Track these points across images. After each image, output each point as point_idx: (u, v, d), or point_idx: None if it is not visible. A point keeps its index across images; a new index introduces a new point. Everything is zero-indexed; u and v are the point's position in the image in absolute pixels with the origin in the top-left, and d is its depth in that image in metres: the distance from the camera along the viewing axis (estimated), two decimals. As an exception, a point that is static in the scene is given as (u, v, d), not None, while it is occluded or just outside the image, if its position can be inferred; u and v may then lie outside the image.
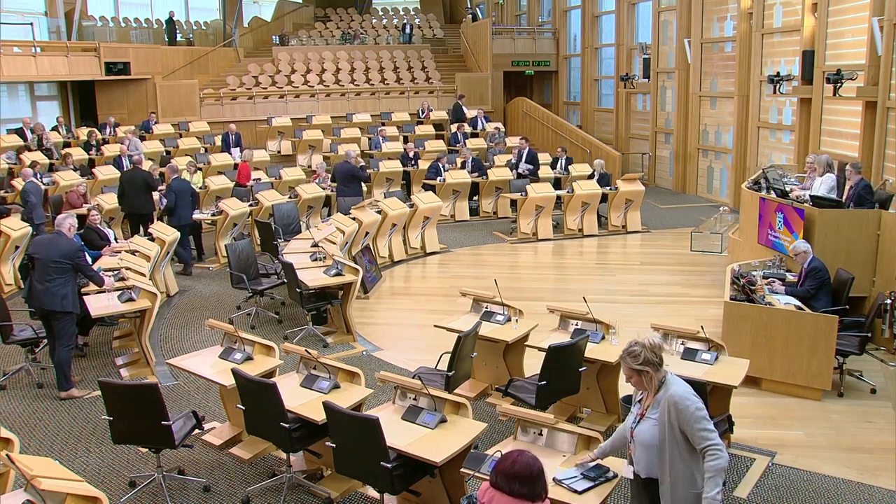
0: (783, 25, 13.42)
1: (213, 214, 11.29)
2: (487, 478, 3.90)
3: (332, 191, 12.67)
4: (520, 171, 13.91)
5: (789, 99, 13.22)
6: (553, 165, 14.95)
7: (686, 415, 3.35)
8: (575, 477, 3.84)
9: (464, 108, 18.55)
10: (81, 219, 9.52)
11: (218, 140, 16.22)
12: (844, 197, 8.35)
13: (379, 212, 10.81)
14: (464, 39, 22.71)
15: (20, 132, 15.11)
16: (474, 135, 17.74)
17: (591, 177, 13.42)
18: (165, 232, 9.48)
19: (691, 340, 5.72)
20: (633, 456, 3.61)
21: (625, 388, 5.95)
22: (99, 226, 9.20)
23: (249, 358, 5.66)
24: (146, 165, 13.22)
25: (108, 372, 7.15)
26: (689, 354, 5.60)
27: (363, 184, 12.66)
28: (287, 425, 4.70)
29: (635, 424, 3.56)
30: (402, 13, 27.03)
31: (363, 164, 13.24)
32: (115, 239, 9.72)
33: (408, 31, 23.45)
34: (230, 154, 15.21)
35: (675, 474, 3.41)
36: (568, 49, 21.98)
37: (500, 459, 2.84)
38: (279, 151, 17.19)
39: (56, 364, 6.58)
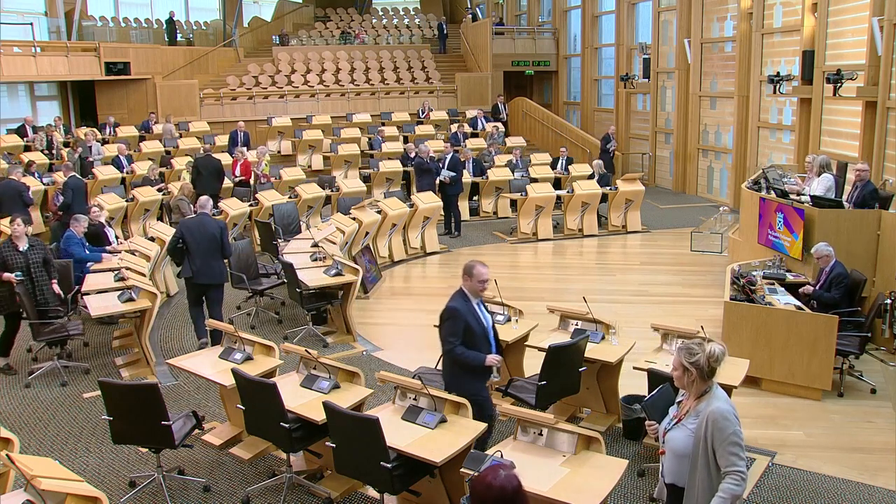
0: (783, 25, 13.41)
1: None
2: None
3: (263, 178, 13.15)
4: (441, 178, 12.53)
5: (789, 99, 13.22)
6: (553, 165, 14.95)
7: (722, 436, 3.29)
8: None
9: (501, 105, 18.74)
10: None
11: (217, 140, 16.20)
12: (845, 197, 8.34)
13: (379, 212, 10.81)
14: (464, 39, 22.72)
15: (20, 130, 15.12)
16: (474, 135, 17.75)
17: (591, 177, 13.42)
18: (165, 232, 9.48)
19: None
20: (663, 459, 3.55)
21: (625, 388, 5.96)
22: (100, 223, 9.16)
23: (249, 358, 5.66)
24: (146, 166, 13.27)
25: (108, 372, 7.14)
26: (689, 354, 5.60)
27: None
28: (287, 425, 4.69)
29: (669, 427, 3.50)
30: (402, 13, 27.05)
31: (434, 157, 13.05)
32: (116, 238, 9.69)
33: (444, 31, 23.45)
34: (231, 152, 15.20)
35: (701, 488, 3.36)
36: (568, 49, 21.98)
37: (474, 482, 2.64)
38: (279, 151, 17.19)
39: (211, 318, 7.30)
